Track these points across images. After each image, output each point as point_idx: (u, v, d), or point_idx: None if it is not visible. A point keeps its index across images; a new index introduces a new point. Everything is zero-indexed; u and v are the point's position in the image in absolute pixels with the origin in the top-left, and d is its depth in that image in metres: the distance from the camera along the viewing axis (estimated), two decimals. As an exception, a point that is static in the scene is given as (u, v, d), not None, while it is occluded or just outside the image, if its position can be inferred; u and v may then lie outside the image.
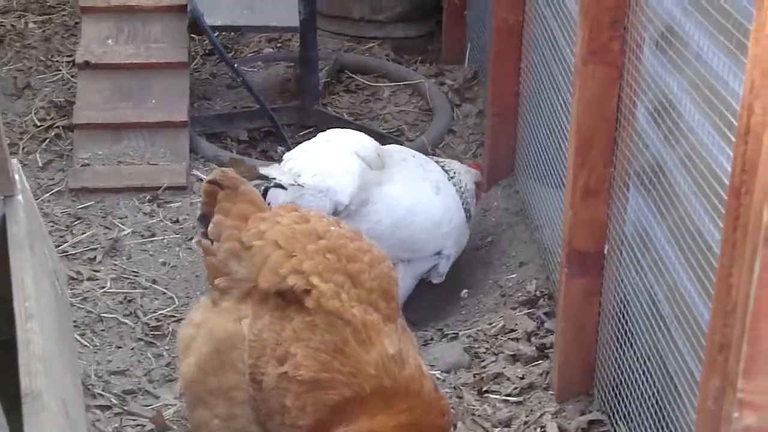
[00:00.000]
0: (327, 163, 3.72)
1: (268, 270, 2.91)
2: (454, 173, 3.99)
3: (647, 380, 2.78)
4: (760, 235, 1.42)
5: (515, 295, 3.78)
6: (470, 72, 5.43)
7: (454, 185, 3.96)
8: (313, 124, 5.14)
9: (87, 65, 4.82)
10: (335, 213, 3.66)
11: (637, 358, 2.85)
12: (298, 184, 3.60)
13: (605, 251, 2.99)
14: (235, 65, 4.92)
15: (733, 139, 1.72)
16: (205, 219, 3.15)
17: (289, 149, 4.82)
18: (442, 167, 4.02)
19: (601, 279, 3.03)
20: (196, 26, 4.78)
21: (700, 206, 2.32)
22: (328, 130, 4.04)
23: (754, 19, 1.45)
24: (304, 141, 5.07)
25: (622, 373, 2.96)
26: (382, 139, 4.96)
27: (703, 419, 1.68)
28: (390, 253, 3.67)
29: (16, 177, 3.00)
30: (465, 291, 3.91)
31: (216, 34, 4.93)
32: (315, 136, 5.03)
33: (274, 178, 3.59)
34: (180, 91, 4.81)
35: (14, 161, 3.05)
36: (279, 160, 4.87)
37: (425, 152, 4.84)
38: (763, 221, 1.40)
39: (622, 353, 2.97)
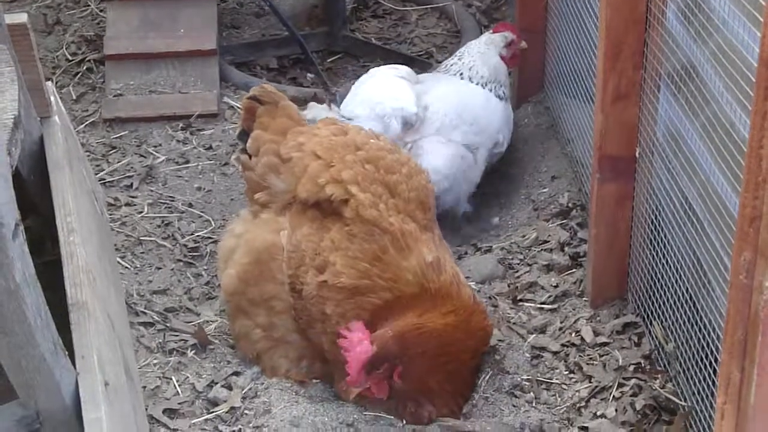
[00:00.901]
0: (379, 92, 3.86)
1: (307, 180, 2.96)
2: (475, 74, 4.01)
3: (680, 279, 2.80)
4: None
5: (548, 209, 3.81)
6: (498, -8, 5.40)
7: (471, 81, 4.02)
8: (341, 49, 5.16)
9: (115, -3, 4.84)
10: (410, 127, 3.80)
11: (670, 259, 2.87)
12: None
13: (636, 155, 3.00)
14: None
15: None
16: (244, 135, 3.20)
17: (318, 75, 4.86)
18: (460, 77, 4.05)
19: (633, 183, 3.04)
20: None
21: (733, 98, 2.33)
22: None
23: None
24: (332, 66, 5.18)
25: (655, 275, 2.99)
26: (411, 62, 4.98)
27: (735, 293, 1.71)
28: (472, 143, 3.83)
29: (52, 99, 3.05)
30: (497, 218, 3.94)
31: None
32: (343, 60, 5.16)
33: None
34: (208, 20, 4.82)
35: (49, 84, 3.11)
36: (309, 86, 4.93)
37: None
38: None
39: (655, 256, 2.99)
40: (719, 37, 2.47)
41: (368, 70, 5.09)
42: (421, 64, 4.95)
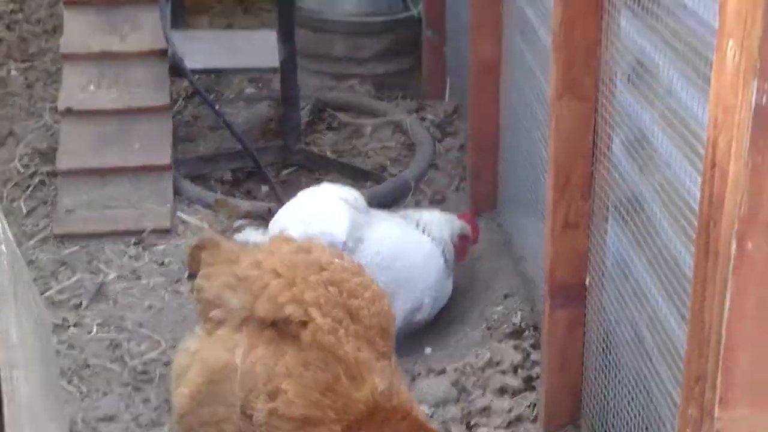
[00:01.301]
0: (313, 211, 3.78)
1: (266, 297, 2.91)
2: (425, 225, 3.95)
3: (633, 410, 2.79)
4: (729, 266, 1.44)
5: (501, 328, 3.80)
6: (451, 106, 5.48)
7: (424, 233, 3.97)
8: (296, 162, 5.18)
9: (69, 112, 4.84)
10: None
11: (623, 388, 2.87)
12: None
13: (586, 283, 3.02)
14: (217, 107, 4.94)
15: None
16: (193, 276, 3.18)
17: (272, 189, 4.87)
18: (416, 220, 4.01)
19: (584, 310, 3.05)
20: (176, 70, 4.81)
21: (676, 235, 2.35)
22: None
23: (714, 56, 1.48)
24: (288, 179, 5.19)
25: (608, 403, 2.98)
26: (366, 176, 5.02)
27: (682, 449, 1.70)
28: (387, 288, 3.77)
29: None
30: (429, 349, 3.88)
31: (197, 76, 4.97)
32: (298, 173, 5.18)
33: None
34: (163, 134, 4.83)
35: (-5, 211, 3.08)
36: (263, 200, 4.93)
37: (408, 187, 4.90)
38: (732, 253, 1.43)
39: (607, 383, 2.98)
40: (662, 177, 2.50)
41: (322, 182, 5.18)
42: (376, 177, 4.98)
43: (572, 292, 3.03)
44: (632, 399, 2.80)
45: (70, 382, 3.58)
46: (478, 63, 4.22)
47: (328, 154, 5.27)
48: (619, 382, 2.91)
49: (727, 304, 1.46)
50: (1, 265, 2.91)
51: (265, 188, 5.01)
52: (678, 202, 2.34)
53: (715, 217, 1.48)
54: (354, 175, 5.02)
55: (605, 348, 2.99)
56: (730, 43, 1.39)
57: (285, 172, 5.18)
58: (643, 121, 2.65)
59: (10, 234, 3.13)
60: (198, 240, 3.17)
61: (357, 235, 3.76)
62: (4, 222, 3.10)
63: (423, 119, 5.48)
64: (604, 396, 3.00)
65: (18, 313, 2.82)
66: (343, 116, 5.57)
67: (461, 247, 4.08)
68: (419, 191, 4.88)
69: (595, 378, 3.05)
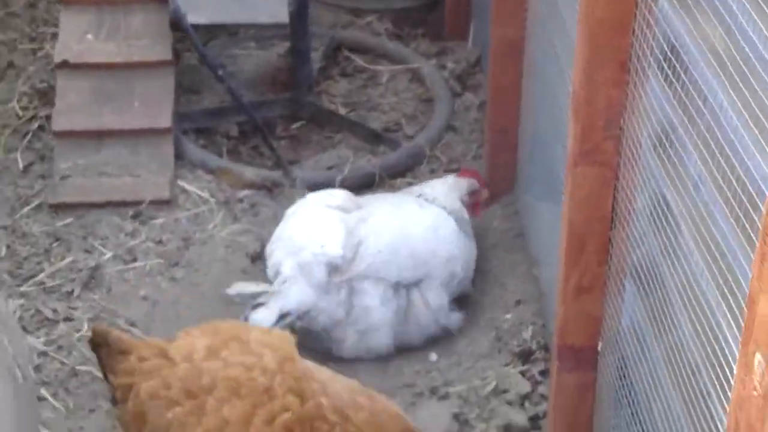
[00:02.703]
0: (299, 236, 3.56)
1: None
2: (433, 198, 3.78)
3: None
4: None
5: (510, 342, 3.60)
6: (474, 55, 5.12)
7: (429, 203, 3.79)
8: (306, 116, 4.89)
9: (65, 65, 4.56)
10: (336, 270, 3.53)
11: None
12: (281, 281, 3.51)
13: (598, 347, 2.79)
14: (219, 67, 4.59)
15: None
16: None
17: (275, 155, 4.59)
18: (418, 196, 3.81)
19: (595, 374, 2.83)
20: (177, 25, 4.49)
21: (687, 320, 2.11)
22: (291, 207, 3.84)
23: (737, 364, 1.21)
24: (297, 134, 4.91)
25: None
26: (379, 140, 4.72)
27: None
28: (411, 278, 3.56)
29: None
30: (434, 355, 3.68)
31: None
32: (308, 128, 4.89)
33: (255, 301, 3.48)
34: (165, 92, 4.54)
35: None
36: (269, 159, 4.68)
37: (423, 154, 4.61)
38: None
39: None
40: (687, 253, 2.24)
41: (332, 140, 4.90)
42: (389, 142, 4.69)
43: (583, 356, 2.80)
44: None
45: (55, 394, 3.44)
46: (500, 41, 3.88)
47: (340, 107, 4.95)
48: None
49: None
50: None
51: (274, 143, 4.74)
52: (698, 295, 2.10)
53: None
54: (366, 138, 4.73)
55: (616, 414, 2.78)
56: (758, 357, 1.13)
57: (294, 126, 4.88)
58: (665, 190, 2.37)
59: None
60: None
61: (354, 241, 3.57)
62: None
63: (443, 67, 5.12)
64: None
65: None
66: (358, 60, 5.22)
67: (474, 203, 3.91)
68: (434, 159, 4.59)
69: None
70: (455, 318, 3.72)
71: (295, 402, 2.61)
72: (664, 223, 2.38)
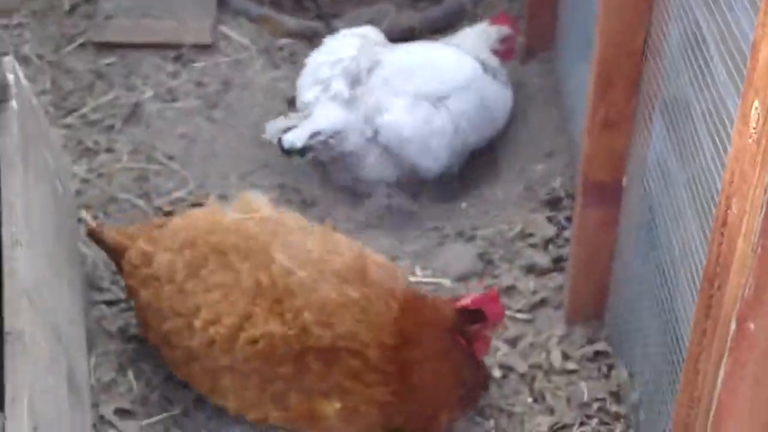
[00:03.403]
0: (318, 58, 3.72)
1: None
2: (459, 46, 3.84)
3: (654, 314, 2.67)
4: (726, 343, 1.28)
5: (539, 191, 3.64)
6: None
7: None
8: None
9: None
10: (356, 81, 3.63)
11: (647, 291, 2.73)
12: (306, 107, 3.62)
13: (623, 184, 2.83)
14: None
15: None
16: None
17: (314, 1, 4.60)
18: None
19: (618, 210, 2.87)
20: None
21: (715, 154, 2.14)
22: None
23: (737, 110, 1.24)
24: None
25: (632, 304, 2.86)
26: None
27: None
28: (431, 92, 3.64)
29: (10, 77, 2.89)
30: (464, 204, 3.75)
31: None
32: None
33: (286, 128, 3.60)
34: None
35: (7, 59, 2.94)
36: (311, 11, 4.69)
37: (464, 10, 4.60)
38: (731, 331, 1.26)
39: (633, 285, 2.85)
40: (713, 90, 2.26)
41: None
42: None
43: (607, 191, 2.84)
44: (656, 304, 2.67)
45: (95, 218, 3.54)
46: None
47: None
48: (644, 284, 2.78)
49: (721, 378, 1.31)
50: (11, 126, 2.81)
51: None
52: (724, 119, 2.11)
53: (721, 279, 1.30)
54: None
55: (635, 249, 2.84)
56: (756, 103, 1.16)
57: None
58: (700, 23, 2.37)
59: (24, 82, 3.01)
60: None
61: (373, 59, 3.69)
62: (17, 70, 2.97)
63: None
64: (630, 296, 2.88)
65: (26, 179, 2.74)
66: None
67: (506, 50, 3.94)
68: (475, 16, 4.57)
69: (622, 278, 2.92)
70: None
71: None
72: (697, 53, 2.39)
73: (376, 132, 3.63)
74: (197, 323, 2.72)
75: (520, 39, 3.97)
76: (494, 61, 3.85)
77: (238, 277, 2.71)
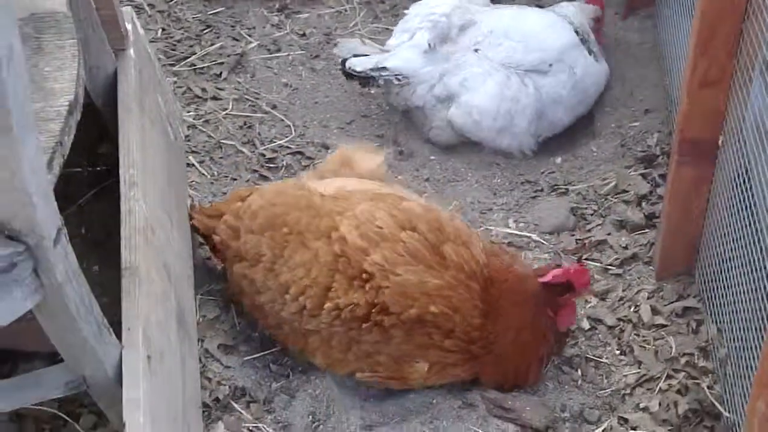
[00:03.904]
0: (416, 8, 3.82)
1: None
2: (563, 15, 3.87)
3: (746, 272, 2.71)
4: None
5: (634, 148, 3.67)
6: None
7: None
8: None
9: None
10: (444, 39, 3.73)
11: (739, 248, 2.77)
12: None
13: (720, 142, 2.85)
14: None
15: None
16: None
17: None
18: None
19: (713, 168, 2.91)
20: None
21: None
22: None
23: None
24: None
25: (724, 261, 2.89)
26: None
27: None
28: (521, 62, 3.69)
29: (129, 27, 3.02)
30: (559, 158, 3.79)
31: None
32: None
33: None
34: None
35: (127, 9, 3.07)
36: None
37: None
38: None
39: (726, 241, 2.89)
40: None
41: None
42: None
43: (702, 150, 2.87)
44: (747, 262, 2.71)
45: (202, 162, 3.69)
46: None
47: None
48: (736, 241, 2.81)
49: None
50: (128, 72, 2.95)
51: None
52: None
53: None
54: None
55: (728, 208, 2.87)
56: None
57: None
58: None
59: (141, 31, 3.14)
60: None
61: (467, 18, 3.76)
62: (135, 21, 3.11)
63: None
64: (721, 254, 2.91)
65: (142, 124, 2.88)
66: None
67: (597, 30, 3.98)
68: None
69: (713, 243, 2.96)
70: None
71: None
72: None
73: (448, 98, 3.69)
74: (288, 297, 2.86)
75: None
76: (591, 36, 3.87)
77: (316, 254, 2.84)
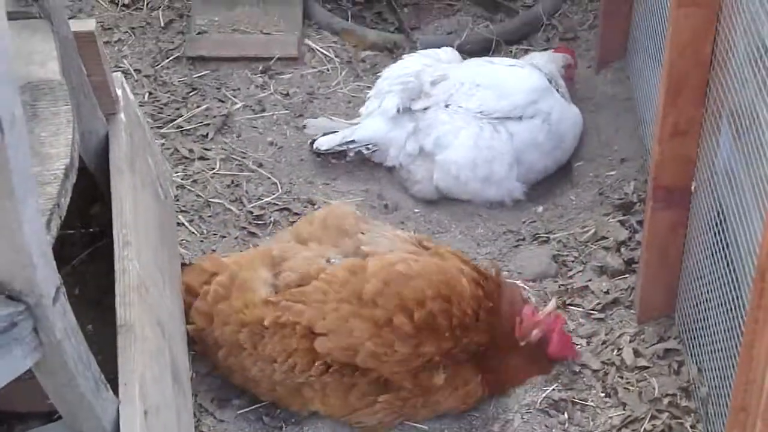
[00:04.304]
0: (384, 74, 4.01)
1: None
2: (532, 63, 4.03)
3: (723, 312, 2.79)
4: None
5: (612, 196, 3.78)
6: None
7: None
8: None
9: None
10: (414, 97, 3.85)
11: (716, 290, 2.86)
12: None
13: (693, 188, 2.96)
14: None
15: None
16: None
17: (395, 13, 4.80)
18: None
19: (688, 213, 3.01)
20: None
21: None
22: None
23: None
24: (418, 1, 5.08)
25: (702, 303, 2.98)
26: (497, 8, 4.87)
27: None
28: (493, 110, 3.78)
29: (119, 93, 3.12)
30: (541, 207, 3.90)
31: None
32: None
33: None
34: (295, -44, 4.77)
35: (117, 75, 3.17)
36: (391, 24, 4.88)
37: (540, 22, 4.75)
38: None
39: (703, 284, 2.98)
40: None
41: (452, 8, 5.07)
42: (507, 9, 4.85)
43: (676, 196, 2.98)
44: (723, 303, 2.80)
45: (191, 221, 3.78)
46: None
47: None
48: (712, 284, 2.90)
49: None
50: (119, 136, 3.04)
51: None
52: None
53: (771, 271, 1.45)
54: (485, 5, 4.89)
55: (704, 251, 2.97)
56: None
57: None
58: (764, 36, 2.51)
59: (131, 96, 3.24)
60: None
61: (440, 74, 3.89)
62: (125, 85, 3.21)
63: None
64: (699, 296, 3.01)
65: (134, 184, 2.97)
66: None
67: (569, 77, 4.13)
68: (551, 27, 4.73)
69: (692, 278, 3.05)
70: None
71: None
72: (762, 64, 2.52)
73: (423, 151, 3.81)
74: (276, 365, 3.02)
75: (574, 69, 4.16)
76: (562, 83, 4.00)
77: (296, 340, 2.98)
